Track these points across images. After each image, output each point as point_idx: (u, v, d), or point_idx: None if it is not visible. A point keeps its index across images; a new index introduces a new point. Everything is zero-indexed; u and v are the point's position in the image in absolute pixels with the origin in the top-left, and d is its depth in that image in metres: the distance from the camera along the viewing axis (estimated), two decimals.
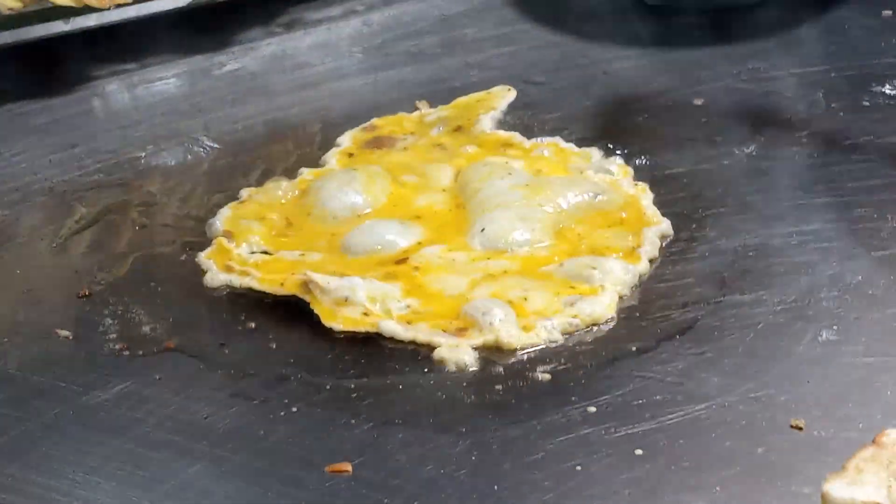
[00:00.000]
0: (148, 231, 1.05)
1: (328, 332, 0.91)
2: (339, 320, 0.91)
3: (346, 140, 1.14)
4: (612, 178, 1.05)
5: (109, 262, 1.01)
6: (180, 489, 0.77)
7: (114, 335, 0.92)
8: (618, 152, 1.09)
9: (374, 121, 1.17)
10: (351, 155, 1.12)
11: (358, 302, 0.91)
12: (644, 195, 1.03)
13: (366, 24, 1.38)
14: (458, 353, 0.87)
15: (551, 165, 1.07)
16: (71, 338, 0.92)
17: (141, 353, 0.90)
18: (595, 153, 1.09)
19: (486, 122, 1.15)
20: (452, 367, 0.86)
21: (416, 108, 1.20)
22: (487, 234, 0.98)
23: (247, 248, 0.99)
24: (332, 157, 1.12)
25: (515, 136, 1.13)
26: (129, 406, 0.85)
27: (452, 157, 1.09)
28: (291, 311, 0.93)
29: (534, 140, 1.11)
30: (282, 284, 0.94)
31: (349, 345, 0.90)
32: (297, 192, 1.06)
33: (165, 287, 0.97)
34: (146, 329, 0.92)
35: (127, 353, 0.90)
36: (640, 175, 1.06)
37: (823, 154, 1.08)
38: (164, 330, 0.92)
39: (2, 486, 0.78)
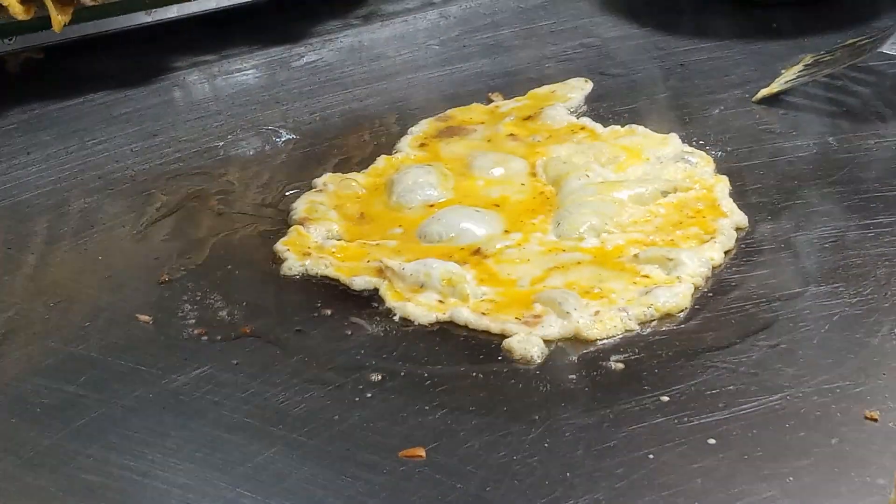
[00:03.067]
0: (226, 219, 1.06)
1: (403, 322, 0.91)
2: (413, 309, 0.92)
3: (420, 129, 1.15)
4: (690, 168, 1.05)
5: (189, 249, 1.02)
6: (256, 471, 0.78)
7: (192, 320, 0.93)
8: (694, 143, 1.09)
9: (449, 111, 1.18)
10: (423, 144, 1.12)
11: (433, 286, 0.92)
12: (720, 187, 1.02)
13: (443, 15, 1.39)
14: (526, 344, 0.87)
15: (630, 152, 1.06)
16: (151, 322, 0.93)
17: (219, 338, 0.91)
18: (675, 139, 1.09)
19: (559, 111, 1.15)
20: (519, 358, 0.87)
21: (490, 100, 1.21)
22: (563, 226, 0.98)
23: (323, 235, 1.00)
24: (406, 145, 1.13)
25: (588, 123, 1.13)
26: (207, 390, 0.86)
27: (526, 146, 1.10)
28: (366, 301, 0.94)
29: (610, 128, 1.12)
30: (356, 271, 0.95)
31: (423, 334, 0.90)
32: (372, 183, 1.07)
33: (243, 274, 0.98)
34: (224, 314, 0.93)
35: (205, 338, 0.91)
36: (716, 167, 1.06)
37: None
38: (242, 316, 0.93)
39: (83, 466, 0.79)
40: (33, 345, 0.92)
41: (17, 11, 1.15)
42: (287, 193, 1.08)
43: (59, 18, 1.16)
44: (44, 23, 1.18)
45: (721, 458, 0.76)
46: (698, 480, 0.75)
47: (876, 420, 0.78)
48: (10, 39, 1.23)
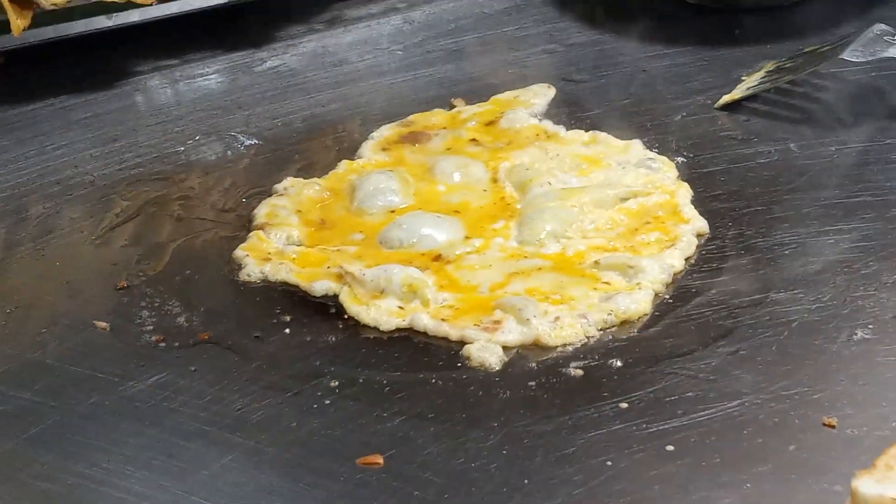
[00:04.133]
0: (187, 224, 1.06)
1: (362, 328, 0.91)
2: (372, 316, 0.91)
3: (381, 134, 1.15)
4: (652, 174, 1.05)
5: (148, 254, 1.01)
6: (213, 479, 0.78)
7: (150, 327, 0.93)
8: (656, 150, 1.09)
9: (411, 116, 1.18)
10: (385, 149, 1.12)
11: (393, 292, 0.92)
12: (682, 193, 1.02)
13: (406, 21, 1.39)
14: (484, 352, 0.87)
15: (591, 159, 1.06)
16: (109, 329, 0.93)
17: (177, 344, 0.91)
18: (637, 145, 1.09)
19: (522, 116, 1.15)
20: (477, 365, 0.87)
21: (453, 106, 1.21)
22: (524, 232, 0.98)
23: (283, 241, 1.00)
24: (367, 150, 1.13)
25: (549, 127, 1.13)
26: (164, 396, 0.85)
27: (488, 151, 1.10)
28: (326, 307, 0.94)
29: (572, 132, 1.12)
30: (316, 277, 0.95)
31: (382, 340, 0.90)
32: (333, 188, 1.07)
33: (202, 280, 0.98)
34: (182, 321, 0.93)
35: (163, 344, 0.91)
36: (678, 173, 1.06)
37: (861, 153, 1.07)
38: (200, 322, 0.93)
39: (38, 474, 0.79)
40: None
41: None
42: (248, 199, 1.08)
43: (18, 23, 1.16)
44: (3, 27, 1.18)
45: (679, 465, 0.76)
46: (656, 487, 0.75)
47: (833, 427, 0.78)
48: None
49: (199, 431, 0.82)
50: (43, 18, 1.21)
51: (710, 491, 0.74)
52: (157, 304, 0.95)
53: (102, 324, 0.93)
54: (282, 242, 1.00)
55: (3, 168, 1.15)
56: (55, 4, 1.17)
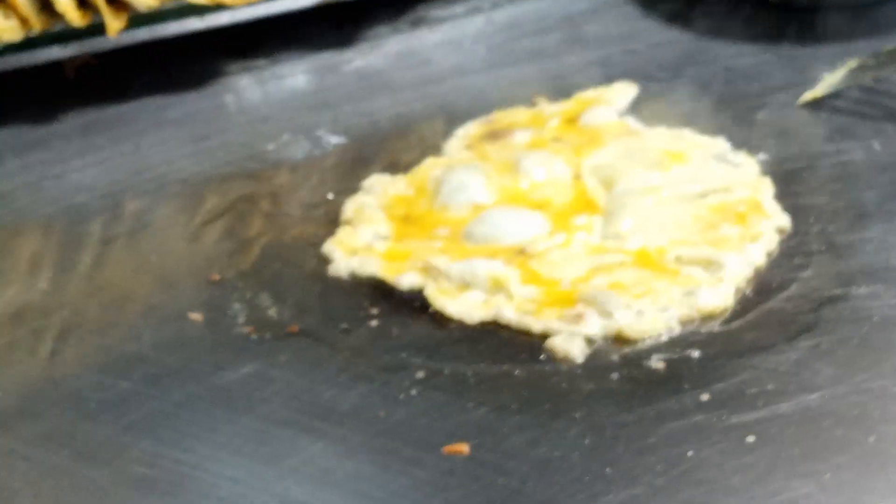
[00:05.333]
0: (276, 220, 1.08)
1: (447, 321, 0.93)
2: (458, 309, 0.93)
3: (465, 131, 1.17)
4: (735, 170, 1.06)
5: (239, 249, 1.04)
6: (303, 465, 0.80)
7: (242, 319, 0.95)
8: (739, 146, 1.10)
9: (494, 114, 1.19)
10: (469, 146, 1.14)
11: (478, 286, 0.94)
12: (764, 189, 1.03)
13: (489, 21, 1.41)
14: (568, 344, 0.88)
15: (674, 155, 1.08)
16: (202, 321, 0.95)
17: (268, 336, 0.93)
18: (720, 142, 1.10)
19: (604, 113, 1.17)
20: (560, 357, 0.88)
21: (536, 104, 1.22)
22: (606, 228, 1.00)
23: (371, 236, 1.02)
24: (451, 147, 1.15)
25: (633, 124, 1.14)
26: (256, 386, 0.88)
27: (571, 148, 1.11)
28: (412, 301, 0.96)
29: (654, 129, 1.13)
30: (402, 271, 0.97)
31: (467, 333, 0.92)
32: (418, 185, 1.09)
33: (291, 274, 1.00)
34: (272, 313, 0.95)
35: (254, 336, 0.93)
36: (761, 169, 1.07)
37: None
38: (290, 314, 0.95)
39: (135, 458, 0.82)
40: (88, 342, 0.94)
41: (74, 18, 1.17)
42: (335, 195, 1.10)
43: (114, 24, 1.19)
44: (99, 29, 1.21)
45: (759, 455, 0.77)
46: (736, 477, 0.76)
47: None
48: (66, 45, 1.25)
49: (290, 420, 0.84)
50: (137, 20, 1.24)
51: (789, 480, 0.75)
52: (248, 297, 0.97)
53: (196, 315, 0.96)
54: (369, 237, 1.02)
55: (100, 166, 1.18)
56: (149, 6, 1.20)
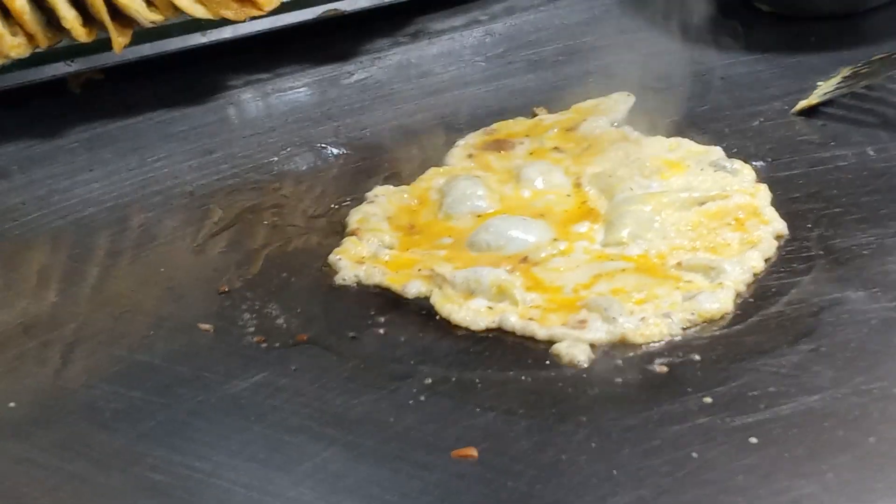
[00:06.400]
0: (281, 231, 1.09)
1: (454, 328, 0.95)
2: (463, 316, 0.95)
3: (467, 142, 1.19)
4: (732, 177, 1.07)
5: (245, 260, 1.05)
6: (316, 471, 0.81)
7: (251, 328, 0.96)
8: (735, 154, 1.12)
9: (494, 125, 1.21)
10: (470, 156, 1.16)
11: (483, 293, 0.95)
12: (761, 195, 1.05)
13: (488, 33, 1.42)
14: (573, 349, 0.90)
15: (672, 164, 1.09)
16: (212, 331, 0.97)
17: (277, 345, 0.94)
18: (716, 150, 1.11)
19: (602, 123, 1.19)
20: (566, 362, 0.90)
21: (535, 114, 1.24)
22: (608, 235, 1.01)
23: (375, 246, 1.04)
24: (453, 158, 1.16)
25: (630, 132, 1.16)
26: (266, 394, 0.89)
27: (571, 157, 1.13)
28: (419, 308, 0.97)
29: (653, 138, 1.15)
30: (408, 279, 0.99)
31: (473, 340, 0.93)
32: (421, 195, 1.10)
33: (299, 284, 1.02)
34: (281, 322, 0.97)
35: (264, 345, 0.94)
36: (757, 177, 1.08)
37: None
38: (298, 324, 0.97)
39: (151, 466, 0.83)
40: (100, 353, 0.96)
41: (80, 34, 1.19)
42: (338, 206, 1.12)
43: (119, 40, 1.20)
44: (104, 45, 1.23)
45: (762, 456, 0.79)
46: (740, 477, 0.77)
47: None
48: (72, 61, 1.27)
49: (301, 426, 0.86)
50: (142, 36, 1.26)
51: (792, 480, 0.77)
52: (256, 307, 0.99)
53: (206, 326, 0.97)
54: (374, 247, 1.04)
55: (107, 180, 1.20)
56: (154, 22, 1.21)
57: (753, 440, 0.80)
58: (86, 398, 0.91)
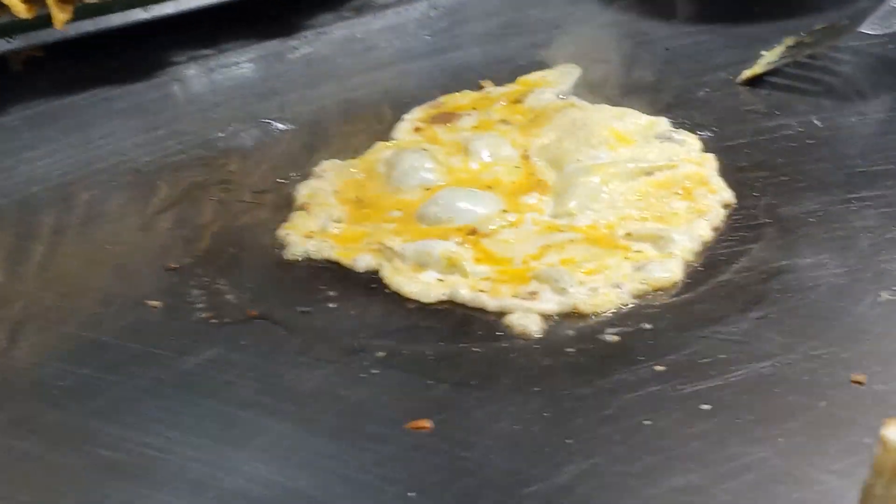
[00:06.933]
0: (229, 207, 1.09)
1: (404, 301, 0.94)
2: (414, 289, 0.95)
3: (413, 115, 1.18)
4: (678, 147, 1.08)
5: (194, 237, 1.05)
6: (270, 446, 0.81)
7: (201, 305, 0.96)
8: (681, 125, 1.12)
9: (441, 98, 1.21)
10: (418, 129, 1.16)
11: (433, 265, 0.95)
12: (708, 165, 1.06)
13: (433, 6, 1.42)
14: (525, 320, 0.90)
15: (618, 135, 1.10)
16: (161, 307, 0.96)
17: (227, 320, 0.94)
18: (663, 122, 1.12)
19: (548, 94, 1.19)
20: (518, 333, 0.90)
21: (482, 87, 1.24)
22: (557, 206, 1.02)
23: (324, 220, 1.03)
24: (400, 131, 1.16)
25: (577, 101, 1.17)
26: (218, 370, 0.88)
27: (518, 129, 1.13)
28: (369, 282, 0.97)
29: (600, 106, 1.15)
30: (358, 253, 0.99)
31: (424, 312, 0.93)
32: (369, 169, 1.10)
33: (248, 259, 1.01)
34: (231, 298, 0.96)
35: (214, 321, 0.94)
36: (703, 146, 1.09)
37: (882, 123, 1.11)
38: (248, 299, 0.96)
39: (103, 443, 0.82)
40: (48, 331, 0.95)
41: (20, 10, 1.17)
42: (286, 181, 1.11)
43: (60, 16, 1.19)
44: (45, 21, 1.21)
45: (714, 423, 0.80)
46: (693, 443, 0.78)
47: (862, 383, 0.81)
48: (13, 38, 1.25)
49: (254, 402, 0.85)
50: (83, 12, 1.24)
51: (744, 446, 0.77)
52: (206, 283, 0.98)
53: (155, 303, 0.96)
54: (323, 221, 1.03)
55: (50, 157, 1.18)
56: None
57: (705, 407, 0.81)
58: (35, 376, 0.90)
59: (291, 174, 1.12)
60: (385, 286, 0.96)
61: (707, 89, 1.20)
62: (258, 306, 0.95)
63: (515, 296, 0.93)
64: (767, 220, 0.99)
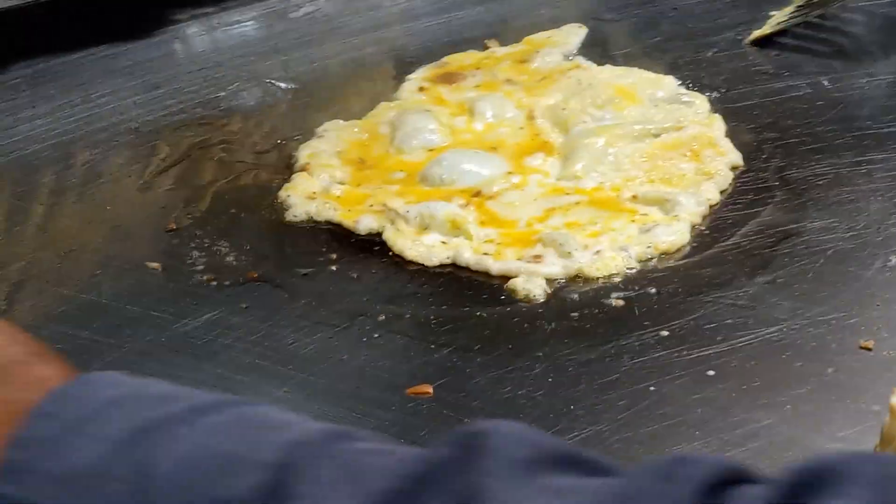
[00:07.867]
0: (230, 167, 1.08)
1: (407, 264, 0.94)
2: (416, 251, 0.94)
3: (417, 75, 1.17)
4: (686, 109, 1.06)
5: (194, 197, 1.04)
6: None
7: (201, 266, 0.95)
8: (689, 85, 1.11)
9: (445, 58, 1.19)
10: (421, 89, 1.14)
11: (437, 227, 0.94)
12: (716, 126, 1.04)
13: None
14: (529, 284, 0.89)
15: (625, 94, 1.08)
16: (161, 269, 0.95)
17: (227, 283, 0.93)
18: (670, 81, 1.10)
19: (554, 54, 1.17)
20: (522, 297, 0.89)
21: (487, 47, 1.22)
22: (562, 168, 1.00)
23: (326, 181, 1.02)
24: (404, 91, 1.15)
25: (582, 62, 1.15)
26: (218, 333, 0.88)
27: (523, 89, 1.11)
28: (371, 244, 0.96)
29: (606, 67, 1.13)
30: (360, 215, 0.97)
31: (427, 276, 0.93)
32: (372, 129, 1.09)
33: (249, 221, 1.00)
34: (231, 260, 0.95)
35: (214, 283, 0.93)
36: (711, 108, 1.08)
37: (891, 85, 1.09)
38: (249, 261, 0.95)
39: None
40: (46, 293, 0.94)
41: None
42: (287, 142, 1.10)
43: None
44: None
45: (720, 389, 0.79)
46: (698, 410, 0.77)
47: (870, 349, 0.80)
48: None
49: (254, 365, 0.84)
50: None
51: (750, 413, 0.76)
52: (206, 245, 0.97)
53: (154, 265, 0.95)
54: (325, 182, 1.02)
55: (50, 116, 1.17)
56: None
57: (711, 373, 0.80)
58: (34, 339, 0.89)
59: (293, 134, 1.11)
60: (387, 249, 0.95)
61: (715, 50, 1.18)
62: (259, 268, 0.94)
63: (520, 259, 0.91)
64: (775, 183, 0.98)
